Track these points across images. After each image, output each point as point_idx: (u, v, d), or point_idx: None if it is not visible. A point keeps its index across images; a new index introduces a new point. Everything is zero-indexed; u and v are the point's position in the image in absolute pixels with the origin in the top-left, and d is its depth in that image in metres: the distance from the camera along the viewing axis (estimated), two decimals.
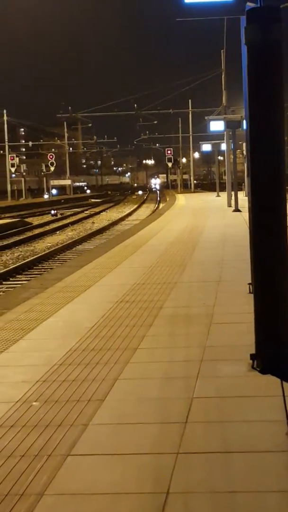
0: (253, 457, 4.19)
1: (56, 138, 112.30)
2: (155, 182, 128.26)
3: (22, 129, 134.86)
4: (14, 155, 79.25)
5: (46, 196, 77.62)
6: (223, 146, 40.05)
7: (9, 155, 78.84)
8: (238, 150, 42.29)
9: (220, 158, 55.05)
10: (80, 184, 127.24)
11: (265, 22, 5.67)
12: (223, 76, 40.25)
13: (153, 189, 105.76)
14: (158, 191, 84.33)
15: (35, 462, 4.28)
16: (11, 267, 19.15)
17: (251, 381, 5.62)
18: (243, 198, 29.15)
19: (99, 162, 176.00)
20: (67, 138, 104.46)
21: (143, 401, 5.29)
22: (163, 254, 14.56)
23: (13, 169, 77.13)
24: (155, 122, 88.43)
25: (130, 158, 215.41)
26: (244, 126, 7.45)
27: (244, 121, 7.80)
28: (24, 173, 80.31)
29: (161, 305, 8.93)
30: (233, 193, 30.13)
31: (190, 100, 71.87)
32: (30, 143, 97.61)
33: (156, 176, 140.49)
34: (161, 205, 49.77)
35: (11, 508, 3.72)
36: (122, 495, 3.81)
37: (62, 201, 70.85)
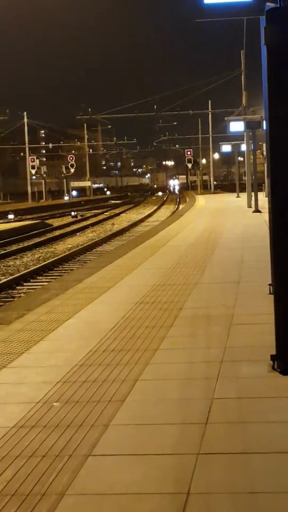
0: (275, 458, 4.18)
1: (76, 139, 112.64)
2: (174, 183, 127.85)
3: (42, 131, 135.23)
4: (35, 157, 79.49)
5: (66, 198, 77.87)
6: (243, 147, 40.04)
7: (30, 157, 79.13)
8: (258, 151, 42.25)
9: (240, 158, 54.95)
10: (99, 185, 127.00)
11: (285, 22, 5.65)
12: (242, 76, 40.17)
13: (172, 190, 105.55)
14: (178, 192, 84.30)
15: (56, 462, 4.30)
16: (32, 268, 19.23)
17: (271, 382, 5.61)
18: (263, 199, 29.03)
19: (119, 163, 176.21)
20: (87, 140, 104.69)
21: (164, 401, 5.30)
22: (183, 255, 14.56)
23: (33, 171, 77.38)
24: (175, 123, 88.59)
25: (150, 159, 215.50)
26: (264, 127, 7.45)
27: (264, 122, 7.79)
28: (44, 175, 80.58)
29: (181, 306, 8.93)
30: (253, 193, 30.07)
31: (209, 101, 71.88)
32: (50, 145, 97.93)
33: (174, 177, 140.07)
34: (181, 206, 49.75)
35: (33, 507, 3.74)
36: (142, 495, 3.81)
37: (82, 202, 71.03)
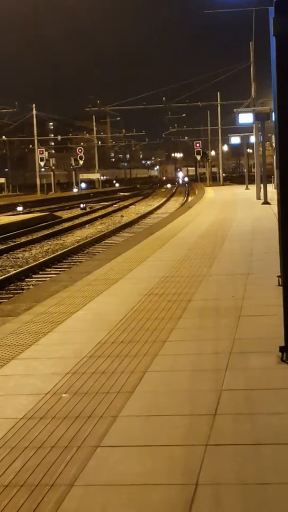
0: (283, 449, 4.18)
1: (85, 131, 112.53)
2: (178, 175, 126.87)
3: (51, 123, 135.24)
4: (43, 149, 79.52)
5: (75, 190, 77.85)
6: (252, 139, 39.93)
7: (38, 149, 79.14)
8: (267, 143, 42.12)
9: (249, 150, 54.82)
10: (105, 178, 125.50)
11: None
12: (251, 68, 40.02)
13: (176, 183, 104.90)
14: (186, 184, 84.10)
15: (65, 453, 4.31)
16: (41, 260, 19.25)
17: (280, 374, 5.61)
18: (272, 191, 28.98)
19: (128, 155, 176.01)
20: (96, 132, 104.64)
21: (172, 393, 5.30)
22: (192, 247, 14.55)
23: (42, 163, 77.42)
24: (184, 115, 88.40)
25: (159, 151, 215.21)
26: (273, 118, 7.42)
27: (273, 113, 7.77)
28: (53, 167, 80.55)
29: (190, 298, 8.94)
30: (262, 185, 30.01)
31: (218, 93, 71.65)
32: (59, 137, 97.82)
33: (178, 169, 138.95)
34: (189, 198, 49.71)
35: (42, 498, 3.75)
36: (151, 486, 3.82)
37: (91, 194, 71.04)
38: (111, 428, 4.67)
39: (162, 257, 13.20)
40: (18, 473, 4.06)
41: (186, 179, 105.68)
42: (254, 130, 36.50)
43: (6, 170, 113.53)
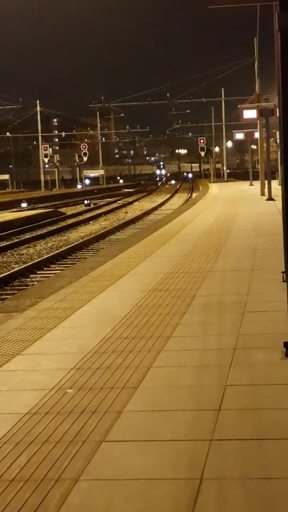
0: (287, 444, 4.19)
1: (89, 128, 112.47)
2: (160, 173, 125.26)
3: (55, 120, 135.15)
4: (48, 145, 79.40)
5: (79, 186, 77.85)
6: (257, 135, 39.87)
7: (43, 146, 79.09)
8: (272, 139, 42.08)
9: (254, 146, 54.76)
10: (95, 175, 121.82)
11: None
12: (256, 63, 39.94)
13: (158, 181, 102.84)
14: (190, 181, 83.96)
15: (70, 448, 4.32)
16: (45, 256, 19.28)
17: (285, 369, 5.62)
18: (276, 187, 28.94)
19: (132, 152, 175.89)
20: (100, 128, 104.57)
21: (177, 388, 5.31)
22: (196, 243, 14.55)
23: (46, 160, 77.30)
24: (188, 111, 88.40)
25: (163, 147, 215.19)
26: (278, 114, 7.42)
27: (277, 109, 7.76)
28: (57, 164, 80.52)
29: (194, 294, 8.94)
30: (266, 182, 29.98)
31: (223, 89, 71.61)
32: (63, 134, 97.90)
33: (161, 166, 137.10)
34: (194, 195, 49.68)
35: (47, 492, 3.76)
36: (156, 481, 3.83)
37: (95, 191, 71.03)
38: (116, 423, 4.69)
39: (167, 253, 13.20)
40: (23, 468, 4.08)
41: (190, 175, 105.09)
42: (258, 126, 36.45)
43: (11, 166, 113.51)
